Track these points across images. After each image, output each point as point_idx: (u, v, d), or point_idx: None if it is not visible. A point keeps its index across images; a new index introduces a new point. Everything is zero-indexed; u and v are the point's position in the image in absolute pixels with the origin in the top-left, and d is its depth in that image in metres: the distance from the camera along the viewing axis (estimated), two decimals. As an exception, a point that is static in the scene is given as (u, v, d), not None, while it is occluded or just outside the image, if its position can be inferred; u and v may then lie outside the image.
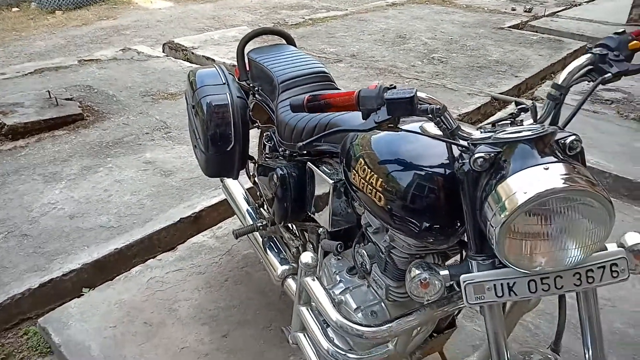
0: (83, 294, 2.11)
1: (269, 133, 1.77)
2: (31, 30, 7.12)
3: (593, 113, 3.69)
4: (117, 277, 2.13)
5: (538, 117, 1.00)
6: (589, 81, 0.99)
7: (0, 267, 2.14)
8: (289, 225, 1.82)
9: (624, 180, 2.85)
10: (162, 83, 4.24)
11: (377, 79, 4.37)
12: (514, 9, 7.20)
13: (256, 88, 1.81)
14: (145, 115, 3.63)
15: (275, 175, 1.55)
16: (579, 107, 0.96)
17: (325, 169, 1.43)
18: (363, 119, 0.98)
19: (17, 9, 8.21)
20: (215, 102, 1.66)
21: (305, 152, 1.53)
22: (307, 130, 1.48)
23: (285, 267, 1.68)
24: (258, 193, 1.99)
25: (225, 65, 2.02)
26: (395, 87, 0.95)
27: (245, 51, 1.87)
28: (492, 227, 0.84)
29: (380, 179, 1.07)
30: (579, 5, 7.69)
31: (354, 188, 1.20)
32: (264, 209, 2.01)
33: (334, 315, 1.12)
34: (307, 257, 1.22)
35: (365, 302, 1.32)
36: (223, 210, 2.63)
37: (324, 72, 1.72)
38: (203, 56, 4.92)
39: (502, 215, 0.81)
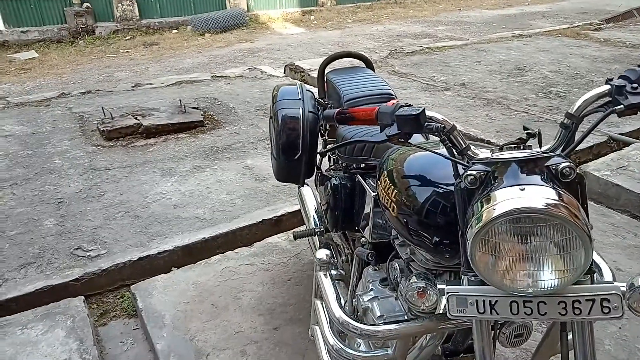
0: (171, 272, 2.45)
1: (330, 144, 1.92)
2: (184, 49, 8.24)
3: None
4: (199, 262, 2.43)
5: (552, 144, 1.01)
6: (603, 112, 0.97)
7: (114, 239, 2.57)
8: (345, 233, 1.94)
9: None
10: (275, 100, 4.64)
11: (483, 110, 4.28)
12: (663, 45, 6.46)
13: (329, 105, 1.98)
14: (255, 127, 4.03)
15: (329, 185, 1.69)
16: (584, 137, 0.95)
17: (371, 182, 1.53)
18: (380, 132, 1.08)
19: (176, 30, 9.56)
20: (288, 115, 1.86)
21: (363, 165, 1.64)
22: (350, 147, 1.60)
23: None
24: (324, 202, 2.14)
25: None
26: (410, 106, 1.04)
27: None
28: (467, 239, 0.88)
29: (399, 192, 1.15)
30: None
31: (381, 201, 1.29)
32: (329, 218, 2.16)
33: (336, 310, 1.21)
34: (321, 253, 1.33)
35: (389, 312, 1.37)
36: (302, 217, 2.84)
37: (389, 94, 1.83)
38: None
39: (475, 228, 0.85)
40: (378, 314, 1.36)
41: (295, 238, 1.99)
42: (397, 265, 1.40)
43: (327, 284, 1.32)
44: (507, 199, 0.84)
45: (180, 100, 4.20)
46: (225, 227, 2.67)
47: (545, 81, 5.02)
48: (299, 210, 2.84)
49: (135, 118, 3.88)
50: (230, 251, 2.52)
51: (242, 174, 3.25)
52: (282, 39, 8.74)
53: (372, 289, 1.46)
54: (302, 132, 1.85)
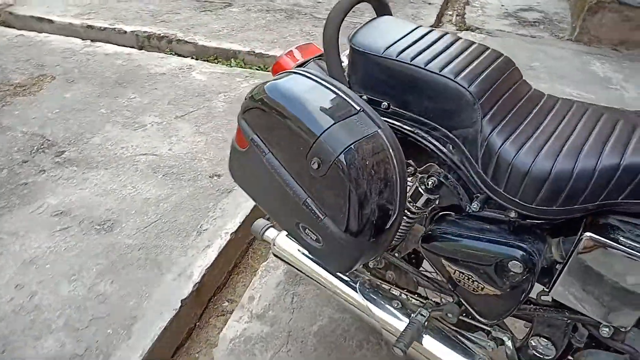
0: None
1: (433, 179, 1.04)
2: None
3: (531, 37, 3.57)
4: None
5: None
6: None
7: None
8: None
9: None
10: (-8, 68, 2.77)
11: (291, 25, 3.55)
12: None
13: (385, 105, 1.04)
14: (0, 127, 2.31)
15: (516, 263, 0.90)
16: None
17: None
18: None
19: None
20: (371, 153, 0.87)
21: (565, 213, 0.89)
22: (556, 182, 0.85)
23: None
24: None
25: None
26: None
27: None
28: None
29: None
30: None
31: None
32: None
33: None
34: None
35: None
36: (222, 263, 1.81)
37: (509, 60, 1.04)
38: (31, 17, 3.40)
39: None
40: None
41: (404, 352, 1.11)
42: None
43: None
44: None
45: None
46: (128, 353, 1.43)
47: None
48: (218, 255, 1.77)
49: None
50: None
51: (63, 229, 1.80)
52: None
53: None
54: (396, 178, 0.92)
